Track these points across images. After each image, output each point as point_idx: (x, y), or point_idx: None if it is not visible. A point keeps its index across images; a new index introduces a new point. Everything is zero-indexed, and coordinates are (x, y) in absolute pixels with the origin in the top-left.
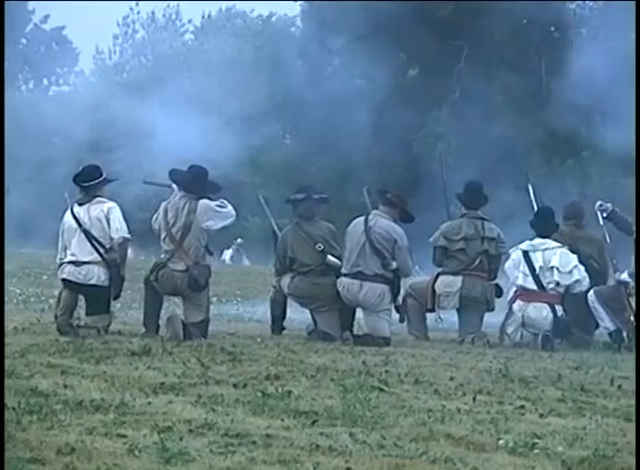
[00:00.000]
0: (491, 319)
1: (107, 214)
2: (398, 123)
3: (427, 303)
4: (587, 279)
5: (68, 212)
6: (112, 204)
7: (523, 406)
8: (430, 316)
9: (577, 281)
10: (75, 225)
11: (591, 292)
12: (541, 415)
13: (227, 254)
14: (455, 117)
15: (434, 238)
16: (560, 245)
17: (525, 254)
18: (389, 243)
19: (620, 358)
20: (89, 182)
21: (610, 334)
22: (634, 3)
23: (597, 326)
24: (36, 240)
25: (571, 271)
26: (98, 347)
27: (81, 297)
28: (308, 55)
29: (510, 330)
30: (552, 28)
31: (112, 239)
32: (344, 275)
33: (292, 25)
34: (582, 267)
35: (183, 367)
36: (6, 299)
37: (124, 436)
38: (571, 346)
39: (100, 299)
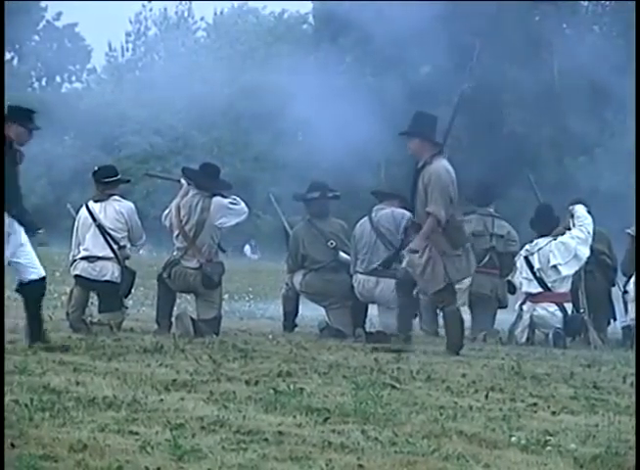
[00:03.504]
0: (504, 316)
1: (128, 218)
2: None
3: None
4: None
5: (84, 208)
6: (129, 204)
7: (535, 404)
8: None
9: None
10: (91, 220)
11: (630, 286)
12: (553, 412)
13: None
14: (466, 113)
15: None
16: (552, 238)
17: (526, 259)
18: (397, 227)
19: (632, 356)
20: (110, 178)
21: (623, 328)
22: (634, 3)
23: (608, 323)
24: (47, 237)
25: (576, 254)
26: (110, 344)
27: (93, 294)
28: (320, 52)
29: (517, 331)
30: (564, 25)
31: (131, 243)
32: (360, 272)
33: (304, 22)
34: (582, 247)
35: (195, 364)
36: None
37: (136, 433)
38: (584, 343)
39: (113, 295)
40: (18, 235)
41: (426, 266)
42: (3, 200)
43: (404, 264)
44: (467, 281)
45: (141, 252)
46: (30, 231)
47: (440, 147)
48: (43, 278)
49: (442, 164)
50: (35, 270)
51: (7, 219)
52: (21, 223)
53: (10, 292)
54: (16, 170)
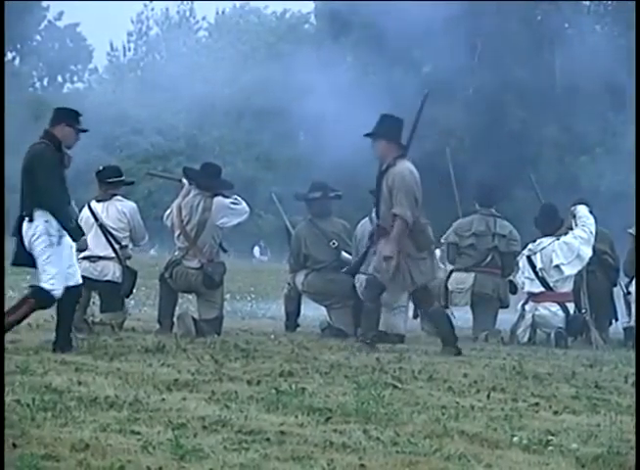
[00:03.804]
0: (506, 316)
1: (130, 218)
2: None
3: (440, 300)
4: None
5: (86, 208)
6: (131, 204)
7: (537, 403)
8: None
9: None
10: (92, 220)
11: (632, 287)
12: (555, 412)
13: None
14: (468, 113)
15: (445, 235)
16: (555, 238)
17: (528, 258)
18: None
19: (634, 356)
20: (114, 178)
21: (624, 329)
22: (634, 3)
23: (610, 323)
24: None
25: (578, 254)
26: (112, 343)
27: (94, 293)
28: (322, 51)
29: (519, 330)
30: (566, 25)
31: (134, 243)
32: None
33: (306, 22)
34: (584, 247)
35: (197, 364)
36: (20, 295)
37: (138, 432)
38: (586, 343)
39: (114, 295)
40: (68, 238)
41: (394, 272)
42: (3, 200)
43: (370, 270)
44: (470, 281)
45: (152, 252)
46: (75, 237)
47: (405, 149)
48: (79, 285)
49: (406, 166)
50: (74, 277)
51: (56, 223)
52: (64, 229)
53: (11, 292)
54: (63, 174)
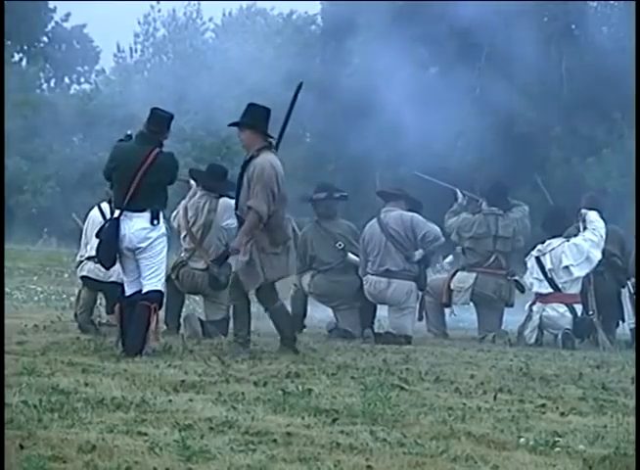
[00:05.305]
0: (514, 317)
1: None
2: (418, 122)
3: (442, 298)
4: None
5: (95, 208)
6: None
7: (544, 405)
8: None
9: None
10: (101, 219)
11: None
12: (562, 414)
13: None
14: (475, 114)
15: (448, 226)
16: (564, 239)
17: (537, 259)
18: (406, 230)
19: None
20: None
21: (632, 330)
22: (634, 3)
23: (617, 325)
24: (56, 238)
25: (588, 257)
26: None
27: (101, 295)
28: (328, 53)
29: (526, 332)
30: (573, 26)
31: None
32: (371, 274)
33: (312, 24)
34: (594, 250)
35: (204, 365)
36: (26, 296)
37: (145, 434)
38: (593, 345)
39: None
40: None
41: (246, 265)
42: (3, 200)
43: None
44: (470, 281)
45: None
46: None
47: (270, 140)
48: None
49: (269, 158)
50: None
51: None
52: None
53: (19, 293)
54: None
